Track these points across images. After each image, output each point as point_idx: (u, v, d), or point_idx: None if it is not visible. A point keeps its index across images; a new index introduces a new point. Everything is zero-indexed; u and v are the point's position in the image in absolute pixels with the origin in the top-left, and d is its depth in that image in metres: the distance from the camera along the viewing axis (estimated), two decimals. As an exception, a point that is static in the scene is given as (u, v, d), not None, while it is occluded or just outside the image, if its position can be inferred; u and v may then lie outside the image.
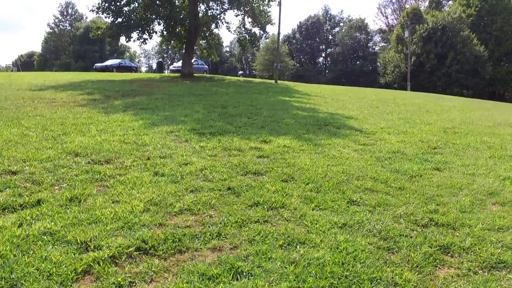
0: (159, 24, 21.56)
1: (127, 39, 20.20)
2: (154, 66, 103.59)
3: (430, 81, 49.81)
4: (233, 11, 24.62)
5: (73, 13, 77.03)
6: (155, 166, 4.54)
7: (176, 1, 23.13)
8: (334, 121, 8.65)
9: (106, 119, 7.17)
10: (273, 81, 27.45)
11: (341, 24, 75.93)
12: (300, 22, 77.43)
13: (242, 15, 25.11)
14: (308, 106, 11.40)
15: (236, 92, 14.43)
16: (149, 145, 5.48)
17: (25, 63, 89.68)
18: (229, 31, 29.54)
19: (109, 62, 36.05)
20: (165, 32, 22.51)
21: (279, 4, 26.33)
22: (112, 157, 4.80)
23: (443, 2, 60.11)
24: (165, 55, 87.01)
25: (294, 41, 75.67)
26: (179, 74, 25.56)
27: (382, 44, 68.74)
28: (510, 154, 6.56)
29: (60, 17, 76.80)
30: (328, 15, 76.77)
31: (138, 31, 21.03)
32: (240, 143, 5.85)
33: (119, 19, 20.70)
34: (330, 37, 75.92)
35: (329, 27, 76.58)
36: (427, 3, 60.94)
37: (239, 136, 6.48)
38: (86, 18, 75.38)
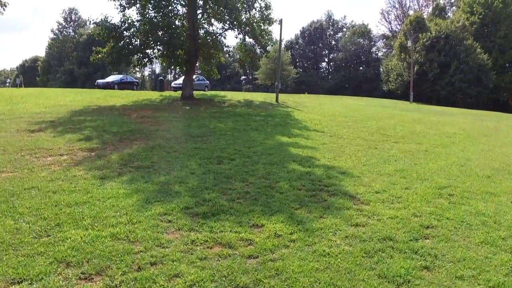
0: (158, 51, 21.68)
1: (127, 65, 20.33)
2: (158, 70, 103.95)
3: (433, 90, 49.68)
4: (234, 31, 24.71)
5: (77, 19, 77.48)
6: (144, 283, 4.60)
7: (177, 22, 23.21)
8: (329, 182, 8.70)
9: (101, 194, 7.25)
10: (274, 99, 27.58)
11: (344, 29, 75.84)
12: (303, 27, 77.53)
13: (243, 35, 25.19)
14: (305, 153, 11.44)
15: (234, 128, 14.50)
16: (141, 242, 5.55)
17: (29, 68, 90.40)
18: (228, 55, 29.46)
19: (111, 79, 36.19)
20: (166, 57, 22.64)
21: (280, 23, 26.37)
22: (102, 267, 4.87)
23: (447, 8, 59.83)
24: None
25: (297, 46, 75.72)
26: (180, 92, 25.76)
27: (385, 50, 68.58)
28: (503, 235, 6.56)
29: (63, 23, 77.27)
30: (331, 20, 76.70)
31: (138, 56, 21.15)
32: (230, 235, 5.92)
33: (120, 44, 20.86)
34: (333, 43, 75.87)
35: (332, 32, 76.51)
36: (430, 9, 60.69)
37: (232, 217, 6.56)
38: (90, 24, 75.74)
